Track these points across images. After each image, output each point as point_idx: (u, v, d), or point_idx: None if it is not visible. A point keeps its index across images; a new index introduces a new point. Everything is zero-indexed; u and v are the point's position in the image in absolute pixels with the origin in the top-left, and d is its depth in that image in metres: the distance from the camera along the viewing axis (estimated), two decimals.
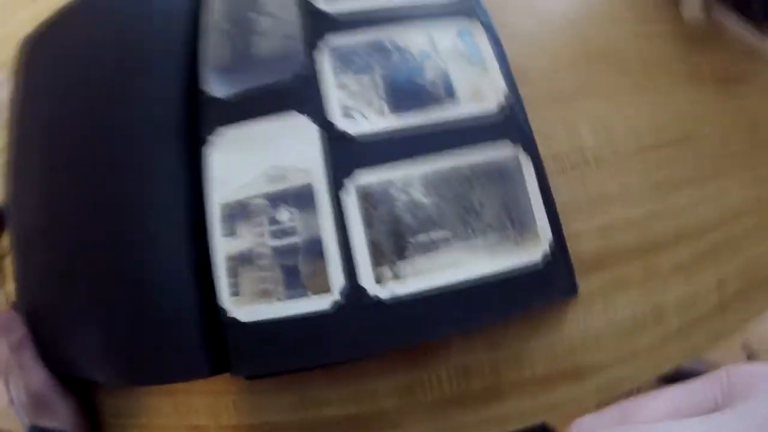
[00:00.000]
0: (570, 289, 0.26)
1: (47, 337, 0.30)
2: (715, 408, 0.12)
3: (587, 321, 0.29)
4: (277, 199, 0.24)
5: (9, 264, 0.41)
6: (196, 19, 0.31)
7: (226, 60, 0.28)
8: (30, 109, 0.35)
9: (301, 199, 0.24)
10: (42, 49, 0.35)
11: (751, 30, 0.47)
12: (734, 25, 0.46)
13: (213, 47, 0.28)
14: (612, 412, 0.14)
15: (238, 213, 0.24)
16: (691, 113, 0.37)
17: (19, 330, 0.31)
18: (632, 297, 0.31)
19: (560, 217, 0.29)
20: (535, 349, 0.28)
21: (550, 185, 0.29)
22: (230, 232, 0.24)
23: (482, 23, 0.28)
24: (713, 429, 0.11)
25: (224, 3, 0.30)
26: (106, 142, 0.29)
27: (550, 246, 0.25)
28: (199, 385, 0.30)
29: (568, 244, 0.29)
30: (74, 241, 0.29)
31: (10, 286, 0.39)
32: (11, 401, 0.31)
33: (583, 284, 0.29)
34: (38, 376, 0.30)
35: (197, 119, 0.27)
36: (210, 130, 0.26)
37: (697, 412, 0.12)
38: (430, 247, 0.24)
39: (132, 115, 0.29)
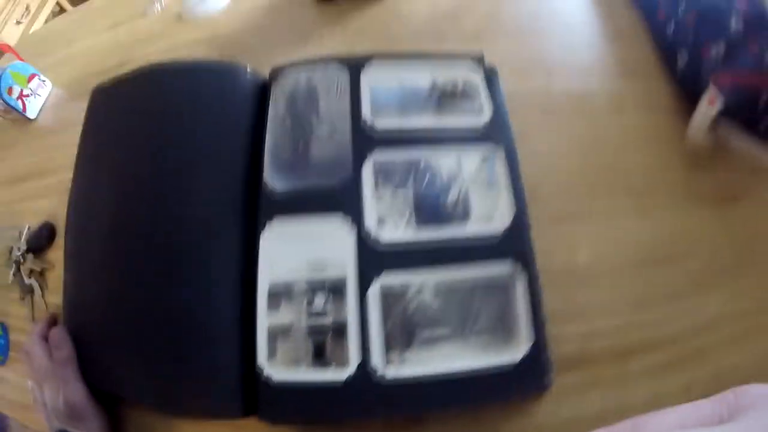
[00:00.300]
0: (541, 388, 0.32)
1: (92, 353, 0.36)
2: (720, 423, 0.13)
3: (558, 412, 0.35)
4: (315, 286, 0.31)
5: (52, 275, 0.47)
6: (264, 109, 0.37)
7: (286, 157, 0.34)
8: (99, 149, 0.41)
9: (335, 289, 0.30)
10: (118, 99, 0.42)
11: (757, 146, 0.51)
12: (740, 141, 0.50)
13: (276, 142, 0.35)
14: (624, 425, 0.15)
15: (282, 292, 0.31)
16: (687, 232, 0.42)
17: (67, 347, 0.36)
18: (603, 395, 0.36)
19: (548, 321, 0.35)
20: (507, 430, 0.34)
21: (544, 294, 0.35)
22: (274, 307, 0.30)
23: (505, 149, 0.34)
24: None
25: (289, 101, 0.36)
26: (175, 201, 0.35)
27: (530, 350, 0.31)
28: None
29: (553, 344, 0.35)
30: (136, 277, 0.35)
31: (53, 297, 0.46)
32: (43, 404, 0.36)
33: (560, 380, 0.35)
34: (78, 390, 0.34)
35: (257, 205, 0.33)
36: (268, 218, 0.32)
37: (703, 426, 0.13)
38: (432, 341, 0.30)
39: (198, 187, 0.35)
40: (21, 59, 0.61)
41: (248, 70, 0.38)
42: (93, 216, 0.39)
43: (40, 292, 0.46)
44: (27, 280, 0.46)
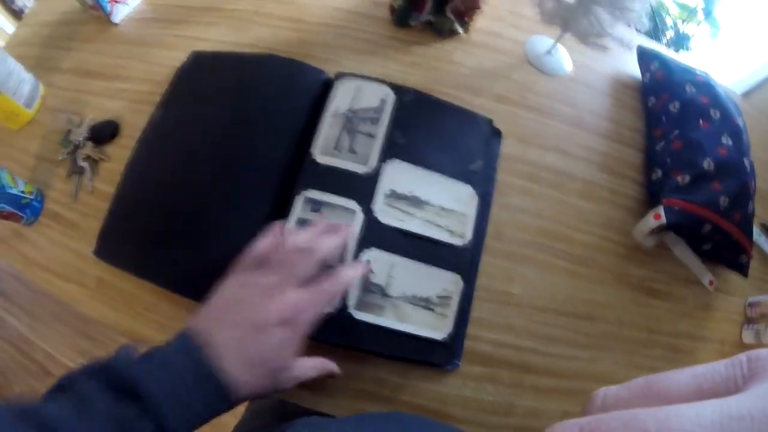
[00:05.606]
0: (452, 365, 0.50)
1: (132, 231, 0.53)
2: (735, 390, 0.14)
3: (461, 389, 0.52)
4: None
5: (105, 167, 0.61)
6: (325, 98, 0.57)
7: (332, 140, 0.52)
8: (189, 96, 0.58)
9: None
10: (211, 67, 0.60)
11: (694, 261, 0.70)
12: (682, 253, 0.70)
13: (328, 126, 0.53)
14: (638, 382, 0.16)
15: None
16: (604, 303, 0.59)
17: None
18: (496, 390, 0.53)
19: (472, 324, 0.52)
20: (422, 388, 0.51)
21: (477, 305, 0.53)
22: None
23: (481, 192, 0.54)
24: (724, 411, 0.13)
25: (344, 100, 0.55)
26: (242, 151, 0.53)
27: (450, 336, 0.49)
28: None
29: (470, 342, 0.52)
30: (196, 187, 0.52)
31: (100, 185, 0.59)
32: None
33: (469, 367, 0.53)
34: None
35: (298, 171, 0.52)
36: (305, 187, 0.50)
37: (717, 391, 0.15)
38: (393, 305, 0.51)
39: (262, 145, 0.53)
40: None
41: (319, 69, 0.57)
42: (172, 136, 0.56)
43: (90, 176, 0.59)
44: (81, 162, 0.59)
